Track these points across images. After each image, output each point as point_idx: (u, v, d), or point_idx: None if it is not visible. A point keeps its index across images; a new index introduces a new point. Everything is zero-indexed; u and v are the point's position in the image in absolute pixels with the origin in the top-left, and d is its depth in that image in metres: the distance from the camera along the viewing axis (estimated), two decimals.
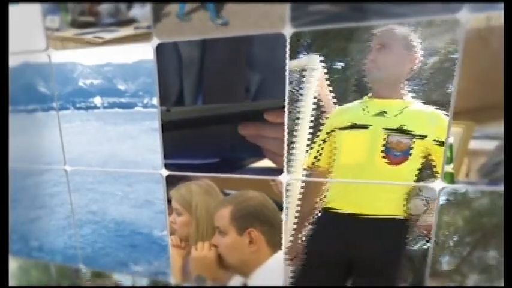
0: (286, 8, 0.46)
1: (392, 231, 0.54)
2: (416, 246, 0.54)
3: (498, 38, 0.42)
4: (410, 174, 0.51)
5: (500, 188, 0.45)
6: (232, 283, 0.61)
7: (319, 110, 0.53)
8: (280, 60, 0.48)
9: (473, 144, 0.45)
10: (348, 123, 0.53)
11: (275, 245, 0.57)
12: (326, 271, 0.58)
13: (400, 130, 0.51)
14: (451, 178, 0.47)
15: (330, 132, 0.55)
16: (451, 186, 0.47)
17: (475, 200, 0.48)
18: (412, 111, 0.49)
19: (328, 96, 0.53)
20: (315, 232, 0.57)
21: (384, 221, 0.54)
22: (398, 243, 0.54)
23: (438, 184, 0.47)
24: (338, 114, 0.53)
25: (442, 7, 0.42)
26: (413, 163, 0.51)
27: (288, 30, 0.47)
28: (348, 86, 0.51)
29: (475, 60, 0.43)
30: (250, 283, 0.60)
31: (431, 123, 0.48)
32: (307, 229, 0.58)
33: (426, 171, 0.51)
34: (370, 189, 0.53)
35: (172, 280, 0.65)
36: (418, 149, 0.50)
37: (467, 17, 0.41)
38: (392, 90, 0.50)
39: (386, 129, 0.51)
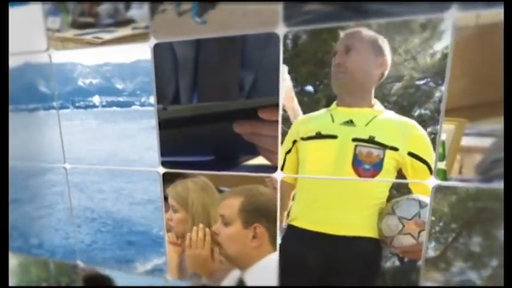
0: (279, 7, 0.47)
1: (363, 252, 0.50)
2: (389, 265, 0.51)
3: (489, 36, 0.42)
4: (383, 190, 0.48)
5: (494, 185, 0.45)
6: (228, 280, 0.62)
7: (286, 120, 0.52)
8: (271, 60, 0.49)
9: (466, 141, 0.45)
10: (313, 132, 0.50)
11: (275, 244, 0.58)
12: (303, 280, 0.56)
13: (370, 141, 0.47)
14: (443, 175, 0.47)
15: (294, 142, 0.52)
16: (444, 183, 0.47)
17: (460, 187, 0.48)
18: (383, 120, 0.47)
19: (295, 108, 0.52)
20: (284, 246, 0.55)
21: (353, 241, 0.50)
22: (370, 265, 0.51)
23: (431, 181, 0.48)
24: (303, 123, 0.51)
25: (431, 6, 0.42)
26: (386, 177, 0.48)
27: (281, 30, 0.48)
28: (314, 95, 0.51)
29: (466, 58, 0.43)
30: (247, 277, 0.60)
31: (404, 134, 0.46)
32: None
33: (401, 187, 0.48)
34: (337, 205, 0.50)
35: (169, 277, 0.65)
36: (390, 161, 0.47)
37: (457, 15, 0.42)
38: (360, 97, 0.48)
39: (355, 140, 0.48)
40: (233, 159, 0.55)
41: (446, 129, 0.45)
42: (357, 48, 0.47)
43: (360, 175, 0.48)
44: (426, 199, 0.47)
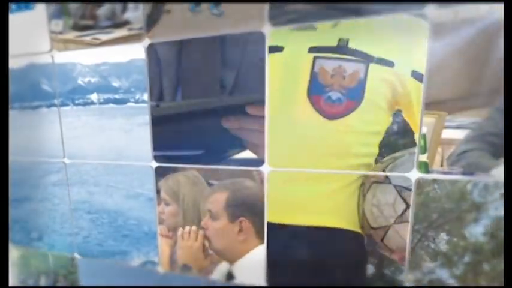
0: (265, 7, 0.50)
1: (329, 244, 0.40)
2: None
3: (467, 31, 0.43)
4: (368, 141, 0.29)
5: (468, 177, 0.45)
6: (217, 272, 0.63)
7: None
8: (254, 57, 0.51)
9: (447, 134, 0.46)
10: None
11: (262, 237, 0.59)
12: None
13: (340, 49, 0.28)
14: (425, 168, 0.47)
15: None
16: (427, 176, 0.48)
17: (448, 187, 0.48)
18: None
19: None
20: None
21: (318, 231, 0.39)
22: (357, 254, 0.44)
23: (413, 174, 0.48)
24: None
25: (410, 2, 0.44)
26: (372, 116, 0.29)
27: (267, 29, 0.50)
28: None
29: (445, 53, 0.44)
30: (235, 270, 0.61)
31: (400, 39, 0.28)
32: None
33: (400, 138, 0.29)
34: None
35: (161, 269, 0.67)
36: (379, 87, 0.28)
37: (434, 12, 0.43)
38: None
39: (314, 49, 0.30)
40: (222, 153, 0.56)
41: (427, 122, 0.46)
42: None
43: (323, 111, 0.29)
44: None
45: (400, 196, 0.35)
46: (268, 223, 0.54)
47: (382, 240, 0.37)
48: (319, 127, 0.29)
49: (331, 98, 0.28)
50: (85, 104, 0.63)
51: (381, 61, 0.28)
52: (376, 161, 0.34)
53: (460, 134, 0.45)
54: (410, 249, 0.49)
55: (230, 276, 0.62)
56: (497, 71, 0.42)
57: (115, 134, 0.62)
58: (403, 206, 0.39)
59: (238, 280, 0.62)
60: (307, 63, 0.29)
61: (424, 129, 0.46)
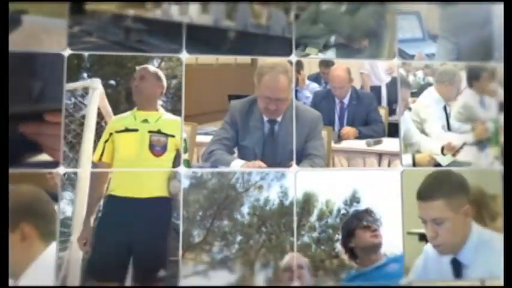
0: (65, 34, 0.63)
1: (160, 207, 0.69)
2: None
3: (212, 73, 0.68)
4: (169, 163, 0.69)
5: (215, 169, 0.67)
6: None
7: (101, 117, 0.71)
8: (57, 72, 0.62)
9: (199, 138, 0.67)
10: (123, 127, 0.71)
11: (49, 238, 0.62)
12: (111, 253, 0.67)
13: (159, 132, 0.69)
14: (188, 163, 0.66)
15: (110, 134, 0.71)
16: (190, 170, 0.67)
17: (208, 181, 0.69)
18: (165, 119, 0.70)
19: (107, 108, 0.70)
20: (102, 217, 0.69)
21: (153, 200, 0.69)
22: (166, 217, 0.69)
23: (182, 169, 0.66)
24: (116, 121, 0.71)
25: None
26: (169, 154, 0.69)
27: (66, 52, 0.63)
28: (120, 99, 0.70)
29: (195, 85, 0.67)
30: (22, 283, 0.60)
31: (177, 127, 0.68)
32: (95, 215, 0.68)
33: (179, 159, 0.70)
34: (142, 176, 0.69)
35: None
36: (171, 144, 0.69)
37: (187, 56, 0.66)
38: (150, 105, 0.71)
39: (150, 132, 0.70)
40: (16, 157, 0.61)
41: (186, 129, 0.66)
42: (146, 77, 0.68)
43: (154, 154, 0.69)
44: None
45: (179, 182, 0.68)
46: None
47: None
48: (153, 160, 0.69)
49: (157, 149, 0.68)
50: None
51: (171, 135, 0.69)
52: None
53: (207, 138, 0.67)
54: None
55: None
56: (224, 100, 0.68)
57: None
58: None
59: None
60: (148, 137, 0.69)
61: (184, 135, 0.66)
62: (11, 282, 0.61)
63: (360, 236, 0.67)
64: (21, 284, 0.61)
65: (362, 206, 0.67)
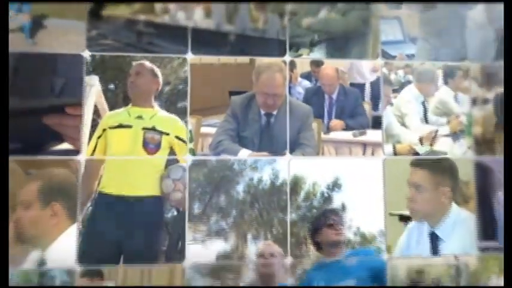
0: (84, 37, 0.71)
1: (151, 206, 0.71)
2: (170, 216, 0.72)
3: (218, 71, 0.76)
4: (162, 161, 0.72)
5: (225, 158, 0.75)
6: (28, 261, 0.68)
7: (97, 114, 0.73)
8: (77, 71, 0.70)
9: (203, 130, 0.75)
10: (117, 123, 0.72)
11: (74, 217, 0.70)
12: (101, 252, 0.69)
13: (153, 129, 0.72)
14: (193, 152, 0.74)
15: (104, 130, 0.73)
16: (195, 157, 0.74)
17: (208, 161, 0.76)
18: (160, 116, 0.73)
19: (104, 105, 0.74)
20: (92, 215, 0.70)
21: (145, 199, 0.70)
22: (157, 215, 0.71)
23: (188, 157, 0.74)
24: (110, 117, 0.73)
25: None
26: (163, 152, 0.72)
27: (85, 53, 0.71)
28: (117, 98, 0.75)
29: (199, 82, 0.75)
30: (47, 256, 0.68)
31: (173, 125, 0.72)
32: (86, 210, 0.70)
33: (172, 159, 0.72)
34: (134, 174, 0.71)
35: None
36: (165, 142, 0.72)
37: (192, 57, 0.74)
38: (145, 101, 0.73)
39: (144, 128, 0.72)
40: (42, 145, 0.69)
41: (191, 122, 0.74)
42: (142, 72, 0.74)
43: (148, 152, 0.71)
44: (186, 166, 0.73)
45: (173, 182, 0.72)
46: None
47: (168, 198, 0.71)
48: (146, 158, 0.72)
49: (151, 147, 0.71)
50: None
51: (165, 133, 0.72)
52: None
53: (211, 130, 0.75)
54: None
55: (42, 262, 0.69)
56: (225, 96, 0.76)
57: None
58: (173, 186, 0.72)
59: (50, 265, 0.69)
60: (141, 133, 0.72)
61: (190, 127, 0.74)
62: (37, 254, 0.69)
63: (326, 233, 0.74)
64: (45, 256, 0.69)
65: (344, 191, 0.75)
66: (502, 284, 0.77)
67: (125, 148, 0.71)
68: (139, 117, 0.72)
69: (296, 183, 0.73)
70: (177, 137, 0.73)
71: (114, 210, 0.70)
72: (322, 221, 0.74)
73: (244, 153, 0.75)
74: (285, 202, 0.73)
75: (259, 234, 0.72)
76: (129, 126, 0.72)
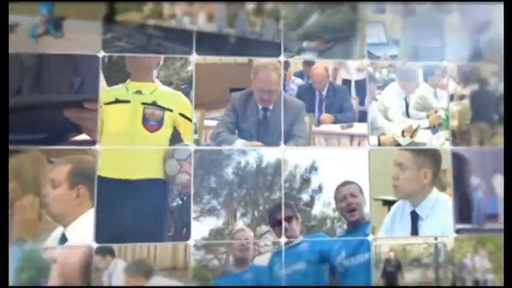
0: (100, 39, 0.79)
1: (153, 191, 0.70)
2: (176, 202, 0.74)
3: (220, 70, 0.84)
4: (165, 139, 0.70)
5: (220, 147, 0.83)
6: (51, 238, 0.76)
7: None
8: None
9: (206, 122, 0.83)
10: (113, 98, 0.71)
11: (93, 200, 0.78)
12: (114, 229, 0.73)
13: (154, 104, 0.71)
14: (198, 142, 0.82)
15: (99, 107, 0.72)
16: (199, 147, 0.82)
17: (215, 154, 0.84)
18: (161, 91, 0.73)
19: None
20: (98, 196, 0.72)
21: (146, 182, 0.69)
22: (160, 202, 0.71)
23: (192, 147, 0.82)
24: (105, 92, 0.73)
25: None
26: (166, 130, 0.71)
27: (101, 54, 0.79)
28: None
29: (203, 80, 0.83)
30: (68, 232, 0.76)
31: (175, 100, 0.74)
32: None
33: (176, 137, 0.73)
34: (133, 155, 0.69)
35: None
36: (168, 119, 0.71)
37: (196, 57, 0.82)
38: (145, 75, 0.73)
39: (144, 104, 0.69)
40: (63, 136, 0.77)
41: (196, 115, 0.82)
42: None
43: (148, 130, 0.69)
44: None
45: (178, 163, 0.76)
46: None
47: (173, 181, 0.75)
48: (146, 136, 0.71)
49: (152, 124, 0.69)
50: None
51: (168, 109, 0.72)
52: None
53: (213, 123, 0.83)
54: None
55: (63, 239, 0.77)
56: (226, 92, 0.84)
57: None
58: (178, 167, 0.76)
59: (71, 242, 0.77)
60: (141, 109, 0.71)
61: (194, 119, 0.82)
62: (60, 230, 0.77)
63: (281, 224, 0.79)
64: (66, 232, 0.77)
65: (330, 179, 0.83)
66: (477, 261, 0.87)
67: (123, 126, 0.68)
68: (139, 92, 0.69)
69: (279, 165, 0.81)
70: (181, 114, 0.73)
71: (111, 195, 0.72)
72: (279, 213, 0.79)
73: (240, 143, 0.82)
74: (270, 182, 0.81)
75: (247, 211, 0.80)
76: (127, 101, 0.69)
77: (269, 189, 0.81)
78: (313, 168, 0.81)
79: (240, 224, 0.79)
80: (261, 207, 0.80)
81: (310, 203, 0.82)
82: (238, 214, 0.79)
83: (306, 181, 0.82)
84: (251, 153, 0.81)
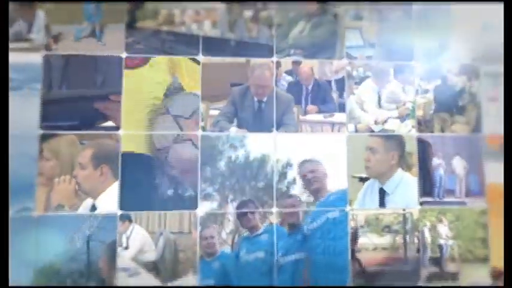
0: (123, 43, 0.95)
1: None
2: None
3: (222, 68, 1.00)
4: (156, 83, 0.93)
5: (224, 133, 0.99)
6: (83, 206, 0.92)
7: None
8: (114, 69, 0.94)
9: (211, 112, 0.99)
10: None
11: (116, 177, 0.94)
12: (133, 198, 0.91)
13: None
14: (204, 129, 0.98)
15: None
16: (205, 133, 0.99)
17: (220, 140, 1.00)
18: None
19: None
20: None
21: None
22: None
23: (199, 132, 0.98)
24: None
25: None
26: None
27: (124, 55, 0.95)
28: None
29: (209, 77, 0.99)
30: (97, 202, 0.92)
31: None
32: None
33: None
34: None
35: (35, 213, 0.90)
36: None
37: (203, 58, 0.98)
38: None
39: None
40: (93, 123, 0.93)
41: (202, 106, 0.98)
42: None
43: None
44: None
45: (178, 125, 0.91)
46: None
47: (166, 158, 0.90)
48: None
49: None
50: None
51: None
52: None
53: (216, 112, 0.99)
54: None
55: (94, 208, 0.93)
56: (227, 87, 1.00)
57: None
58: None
59: (100, 210, 0.93)
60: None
61: (201, 110, 0.98)
62: (90, 201, 0.93)
63: (245, 218, 0.95)
64: (96, 203, 0.93)
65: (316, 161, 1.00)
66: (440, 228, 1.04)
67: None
68: None
69: (262, 158, 0.97)
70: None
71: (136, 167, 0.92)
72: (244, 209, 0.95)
73: (233, 130, 0.98)
74: (255, 173, 0.97)
75: (236, 197, 0.96)
76: None
77: (254, 178, 0.97)
78: (298, 152, 0.99)
79: (229, 206, 0.96)
80: (246, 194, 0.97)
81: (292, 183, 0.99)
82: (229, 199, 0.96)
83: (289, 165, 0.99)
84: (240, 150, 0.97)
